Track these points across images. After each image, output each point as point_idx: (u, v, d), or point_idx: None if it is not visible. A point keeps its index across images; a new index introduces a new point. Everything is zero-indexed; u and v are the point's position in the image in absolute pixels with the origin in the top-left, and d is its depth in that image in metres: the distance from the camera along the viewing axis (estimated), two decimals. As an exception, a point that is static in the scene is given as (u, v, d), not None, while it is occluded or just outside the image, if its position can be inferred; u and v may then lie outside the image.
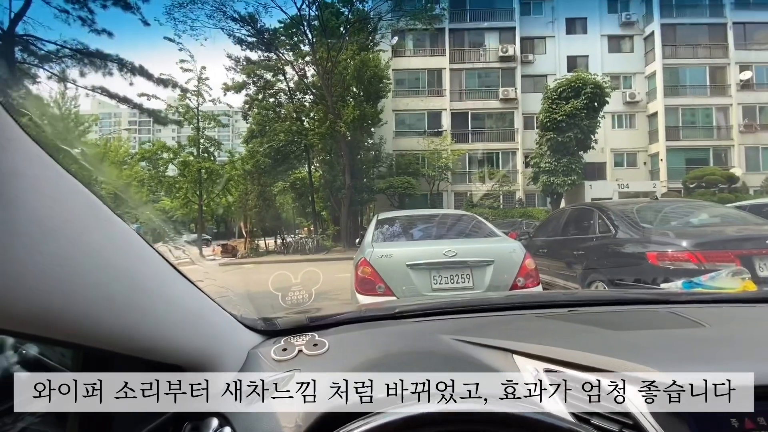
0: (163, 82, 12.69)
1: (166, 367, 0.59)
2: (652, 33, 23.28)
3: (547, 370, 0.62)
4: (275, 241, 20.74)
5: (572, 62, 23.84)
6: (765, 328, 0.77)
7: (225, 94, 20.84)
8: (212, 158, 19.79)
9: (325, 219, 27.48)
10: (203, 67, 19.08)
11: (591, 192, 20.59)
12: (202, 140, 19.30)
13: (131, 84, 11.91)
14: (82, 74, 11.35)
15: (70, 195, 0.42)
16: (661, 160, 22.68)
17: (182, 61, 18.25)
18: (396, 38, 22.23)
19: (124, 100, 12.01)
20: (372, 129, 21.84)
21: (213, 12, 16.82)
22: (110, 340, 0.46)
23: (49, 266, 0.36)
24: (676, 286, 1.33)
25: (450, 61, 23.92)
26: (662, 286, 1.52)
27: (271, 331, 0.88)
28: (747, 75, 22.39)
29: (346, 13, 19.23)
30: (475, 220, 3.99)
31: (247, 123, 22.30)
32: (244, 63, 20.40)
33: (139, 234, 0.53)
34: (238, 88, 20.83)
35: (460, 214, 4.35)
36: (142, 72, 11.69)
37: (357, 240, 4.71)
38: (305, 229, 28.22)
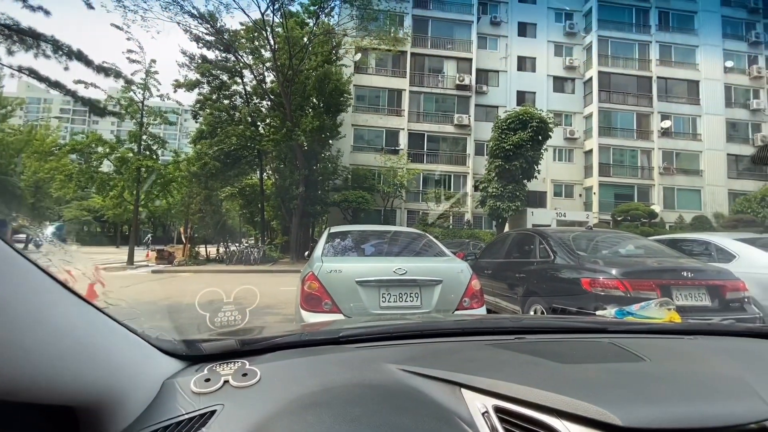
0: (105, 71, 11.66)
1: (53, 410, 0.48)
2: (591, 78, 25.77)
3: (496, 408, 0.59)
4: (217, 249, 19.60)
5: (521, 97, 25.64)
6: (699, 363, 0.79)
7: (175, 91, 19.88)
8: (155, 156, 18.42)
9: (275, 229, 26.60)
10: (153, 60, 17.88)
11: (532, 218, 21.96)
12: (144, 136, 17.95)
13: (66, 68, 10.81)
14: (9, 52, 10.15)
15: None
16: (594, 193, 24.81)
17: (130, 51, 17.03)
18: (359, 55, 22.54)
19: (57, 86, 10.86)
20: (330, 141, 21.73)
21: (169, 4, 15.95)
22: None
23: None
24: (609, 314, 1.39)
25: (410, 83, 24.67)
26: (598, 313, 1.59)
27: (193, 356, 0.76)
28: (667, 123, 25.43)
29: (311, 24, 19.22)
30: (426, 239, 4.01)
31: (197, 123, 21.17)
32: (200, 61, 19.51)
33: (36, 265, 0.43)
34: (190, 86, 19.83)
35: (412, 232, 4.35)
36: (81, 57, 10.69)
37: (306, 252, 4.55)
38: (252, 237, 27.08)
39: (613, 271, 3.62)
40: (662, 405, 0.54)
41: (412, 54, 24.74)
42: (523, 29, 26.64)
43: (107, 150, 17.55)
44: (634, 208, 22.53)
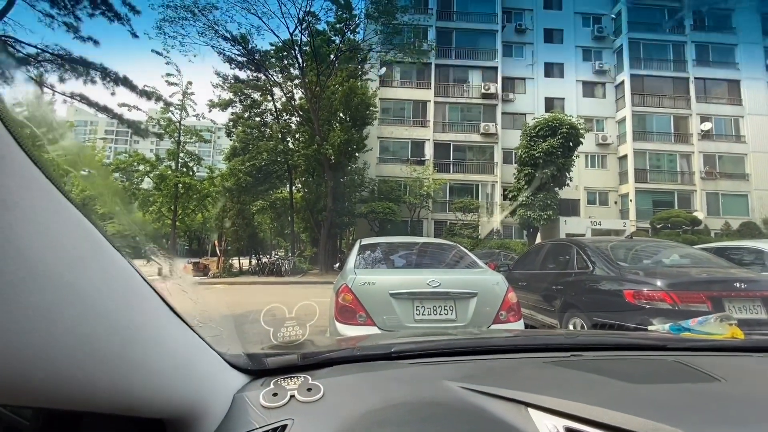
0: (147, 94, 12.48)
1: (144, 421, 0.51)
2: (623, 82, 24.94)
3: (568, 429, 0.57)
4: (249, 261, 20.14)
5: (549, 103, 25.12)
6: None
7: (210, 111, 20.81)
8: (191, 173, 19.36)
9: (304, 240, 27.07)
10: (189, 82, 18.98)
11: (566, 227, 21.23)
12: (182, 154, 18.93)
13: (113, 94, 11.62)
14: (61, 80, 11.04)
15: (67, 227, 0.35)
16: (631, 200, 23.75)
17: (168, 74, 18.14)
18: (384, 69, 22.92)
19: (104, 109, 11.69)
20: (357, 154, 22.07)
21: (204, 30, 16.93)
22: (88, 402, 0.38)
23: (30, 318, 0.29)
24: (663, 329, 1.33)
25: (435, 94, 24.75)
26: (650, 328, 1.52)
27: (257, 370, 0.78)
28: (707, 126, 24.13)
29: (337, 41, 19.78)
30: (457, 249, 3.95)
31: (231, 140, 22.12)
32: (232, 81, 20.48)
33: (139, 273, 0.46)
34: (224, 105, 20.80)
35: (443, 243, 4.31)
36: (126, 82, 11.48)
37: (336, 264, 4.59)
38: (282, 249, 27.68)
39: (659, 282, 3.45)
40: (744, 428, 0.51)
41: (437, 65, 24.86)
42: (550, 35, 26.25)
43: (148, 168, 18.60)
44: (674, 215, 21.36)
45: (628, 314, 3.46)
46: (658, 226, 21.32)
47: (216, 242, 20.65)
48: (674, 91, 24.70)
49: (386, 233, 19.03)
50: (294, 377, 0.74)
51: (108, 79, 11.37)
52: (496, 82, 24.59)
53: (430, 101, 24.66)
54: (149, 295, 0.48)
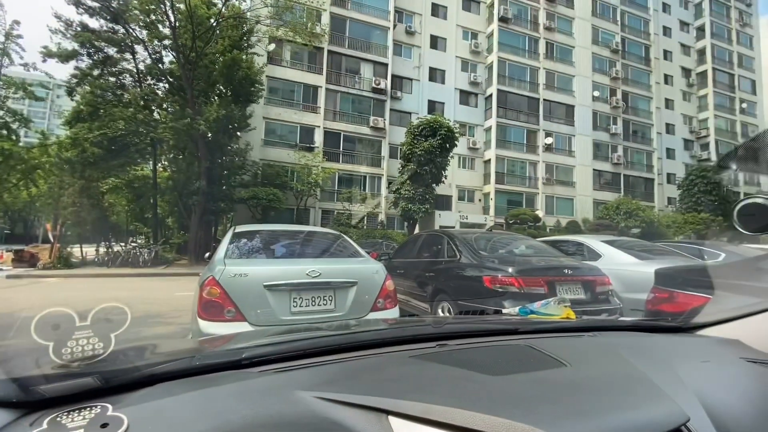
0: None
1: None
2: (491, 95, 28.49)
3: None
4: (97, 250, 16.85)
5: (432, 106, 27.20)
6: (610, 365, 0.84)
7: (44, 61, 16.32)
8: (14, 137, 15.04)
9: (170, 227, 23.87)
10: (16, 21, 14.64)
11: (440, 220, 23.44)
12: (1, 112, 14.56)
13: None
14: None
15: None
16: (491, 198, 27.48)
17: (-22, 4, 13.67)
18: (273, 45, 21.48)
19: None
20: (238, 133, 20.26)
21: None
22: None
23: None
24: (514, 311, 1.49)
25: (327, 80, 24.34)
26: (504, 311, 1.70)
27: (31, 402, 0.55)
28: (549, 140, 29.35)
29: (220, 5, 17.72)
30: (341, 239, 3.90)
31: (74, 101, 17.87)
32: (79, 29, 16.51)
33: None
34: (65, 56, 16.63)
35: (326, 232, 4.21)
36: None
37: (207, 254, 4.10)
38: (142, 236, 23.93)
39: (510, 269, 3.98)
40: (592, 419, 0.54)
41: (330, 51, 24.44)
42: (435, 42, 28.28)
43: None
44: (522, 212, 25.54)
45: (486, 297, 3.91)
46: (510, 222, 25.17)
47: (49, 226, 16.64)
48: (528, 108, 29.33)
49: (270, 221, 18.05)
50: (85, 409, 0.54)
51: None
52: (386, 79, 25.43)
53: (321, 87, 24.15)
54: None
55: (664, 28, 36.96)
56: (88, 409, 0.54)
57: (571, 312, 1.36)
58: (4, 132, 14.59)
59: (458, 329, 1.05)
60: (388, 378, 0.71)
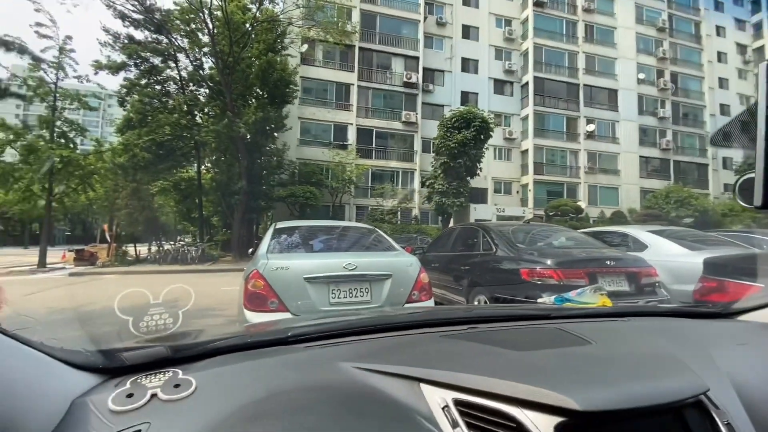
0: (6, 45, 10.16)
1: None
2: (527, 82, 27.50)
3: (456, 401, 0.58)
4: (149, 249, 18.07)
5: (465, 97, 26.66)
6: (638, 343, 0.85)
7: (96, 73, 17.69)
8: (72, 145, 16.38)
9: (215, 225, 25.11)
10: (68, 37, 15.87)
11: (475, 213, 23.03)
12: (59, 122, 15.91)
13: (-44, 39, 9.30)
14: None
15: None
16: (530, 190, 26.60)
17: (39, 24, 14.98)
18: (306, 46, 21.92)
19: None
20: (275, 134, 20.92)
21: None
22: None
23: None
24: (550, 301, 1.48)
25: (358, 78, 24.53)
26: (539, 301, 1.69)
27: (113, 368, 0.65)
28: (591, 127, 27.94)
29: (254, 10, 18.30)
30: (376, 234, 4.00)
31: (124, 110, 19.22)
32: (126, 41, 17.71)
33: None
34: (115, 68, 17.92)
35: (361, 227, 4.33)
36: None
37: (250, 250, 4.32)
38: (189, 235, 25.36)
39: (548, 262, 3.88)
40: (614, 387, 0.56)
41: (361, 49, 24.59)
42: (467, 32, 27.65)
43: (11, 137, 15.31)
44: (563, 203, 24.52)
45: (523, 290, 3.84)
46: (550, 214, 24.27)
47: (105, 227, 18.05)
48: (568, 95, 28.02)
49: (307, 218, 18.57)
50: (159, 373, 0.64)
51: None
52: (418, 72, 25.23)
53: (353, 85, 24.38)
54: None
55: (716, 2, 33.95)
56: (163, 373, 0.64)
57: (607, 300, 1.34)
58: (63, 141, 15.90)
59: (489, 313, 1.07)
60: (420, 353, 0.77)
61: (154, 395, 0.57)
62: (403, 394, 0.60)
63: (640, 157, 28.92)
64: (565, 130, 27.76)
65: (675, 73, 30.34)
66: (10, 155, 16.58)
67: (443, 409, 0.57)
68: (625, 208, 26.88)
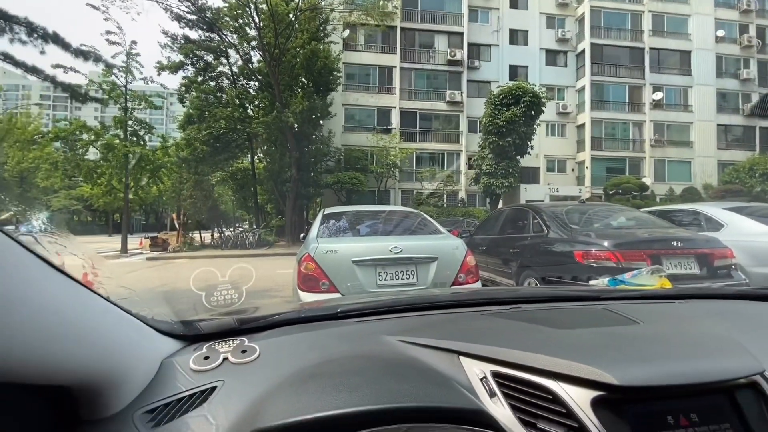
0: (84, 54, 11.22)
1: (49, 391, 0.49)
2: (583, 51, 25.42)
3: (494, 373, 0.61)
4: (212, 235, 19.52)
5: (514, 71, 25.29)
6: (691, 325, 0.82)
7: (159, 74, 19.16)
8: (142, 142, 18.02)
9: (269, 212, 26.47)
10: (134, 42, 17.25)
11: (526, 194, 22.08)
12: (130, 122, 17.52)
13: (42, 53, 10.38)
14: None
15: None
16: (587, 167, 24.91)
17: (108, 32, 16.40)
18: (347, 31, 21.93)
19: (34, 71, 10.47)
20: (321, 122, 21.39)
21: (146, -18, 15.27)
22: None
23: None
24: (603, 283, 1.42)
25: (401, 59, 24.16)
26: (591, 282, 1.63)
27: (191, 336, 0.77)
28: (659, 95, 25.34)
29: (297, 0, 18.57)
30: (421, 217, 4.02)
31: (184, 106, 20.68)
32: (182, 42, 18.89)
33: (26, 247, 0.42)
34: (174, 68, 19.26)
35: (406, 211, 4.36)
36: (57, 40, 10.27)
37: (302, 235, 4.55)
38: (246, 221, 26.99)
39: (605, 243, 3.67)
40: (655, 364, 0.56)
41: (402, 29, 24.12)
42: (515, 0, 26.02)
43: (92, 137, 17.13)
44: (625, 181, 22.70)
45: (577, 273, 3.68)
46: (610, 192, 22.62)
47: (174, 216, 19.75)
48: (630, 61, 25.55)
49: (353, 203, 18.95)
50: (229, 340, 0.74)
51: (35, 35, 10.12)
52: (462, 49, 24.30)
53: (396, 67, 24.08)
54: (33, 262, 0.45)
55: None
56: (232, 341, 0.74)
57: (667, 282, 1.25)
58: (135, 138, 17.54)
59: (534, 294, 1.07)
60: (461, 328, 0.80)
61: (225, 359, 0.67)
62: (443, 365, 0.64)
63: (718, 125, 25.82)
64: (627, 101, 25.45)
65: (762, 27, 26.39)
66: (92, 154, 18.61)
67: (481, 380, 0.61)
68: (699, 183, 24.33)
